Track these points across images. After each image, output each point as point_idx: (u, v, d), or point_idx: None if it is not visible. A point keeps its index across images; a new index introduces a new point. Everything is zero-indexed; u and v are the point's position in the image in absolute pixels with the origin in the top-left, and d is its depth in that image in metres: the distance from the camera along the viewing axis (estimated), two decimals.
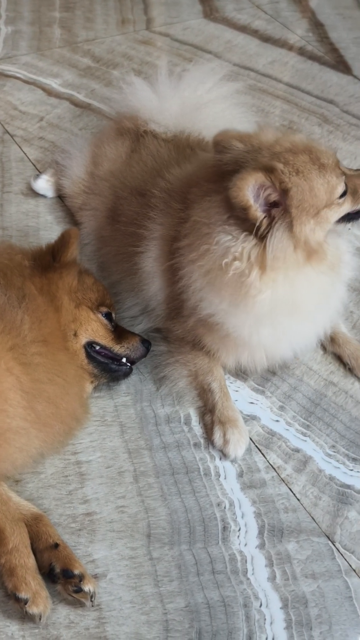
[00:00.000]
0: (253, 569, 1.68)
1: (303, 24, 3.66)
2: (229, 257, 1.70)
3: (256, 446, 1.92)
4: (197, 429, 1.94)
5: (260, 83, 3.20)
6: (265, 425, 1.96)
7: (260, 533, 1.74)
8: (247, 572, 1.67)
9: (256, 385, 2.05)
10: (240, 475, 1.85)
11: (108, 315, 1.94)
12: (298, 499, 1.81)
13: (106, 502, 1.77)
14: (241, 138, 1.75)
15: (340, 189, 1.72)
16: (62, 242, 1.92)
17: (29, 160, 2.71)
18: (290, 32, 3.57)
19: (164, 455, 1.87)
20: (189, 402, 1.98)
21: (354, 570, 1.69)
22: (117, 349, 1.94)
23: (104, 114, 2.87)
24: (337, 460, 1.89)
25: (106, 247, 2.22)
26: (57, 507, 1.75)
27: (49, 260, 1.90)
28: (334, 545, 1.73)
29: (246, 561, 1.69)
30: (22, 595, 1.52)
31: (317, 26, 3.64)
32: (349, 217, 1.82)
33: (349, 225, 1.84)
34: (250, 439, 1.92)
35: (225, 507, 1.78)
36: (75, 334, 1.86)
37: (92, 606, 1.59)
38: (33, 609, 1.52)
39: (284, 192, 1.64)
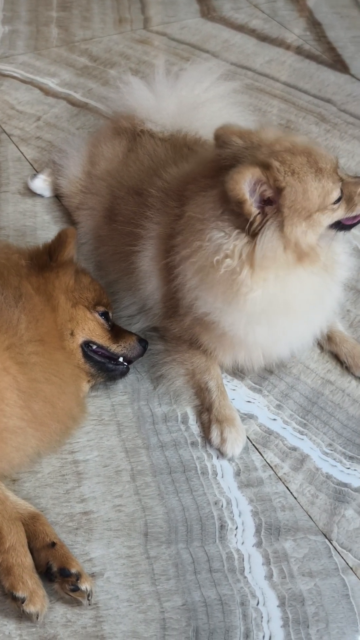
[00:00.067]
0: (250, 568, 1.68)
1: (300, 23, 3.66)
2: (221, 255, 1.70)
3: (253, 445, 1.92)
4: (195, 427, 1.94)
5: (257, 82, 3.20)
6: (263, 424, 1.96)
7: (258, 531, 1.74)
8: (244, 571, 1.68)
9: (253, 384, 2.05)
10: (238, 473, 1.85)
11: (105, 315, 1.95)
12: (295, 498, 1.82)
13: (103, 501, 1.77)
14: (241, 134, 1.75)
15: (335, 195, 1.71)
16: (59, 241, 1.92)
17: (26, 159, 2.71)
18: (287, 31, 3.57)
19: (161, 454, 1.87)
20: (186, 401, 1.98)
21: (351, 569, 1.69)
22: (114, 348, 1.94)
23: (101, 113, 2.86)
24: (334, 459, 1.90)
25: (103, 247, 2.22)
26: (54, 506, 1.75)
27: (45, 259, 1.90)
28: (331, 543, 1.73)
29: (243, 559, 1.69)
30: (19, 594, 1.52)
31: (315, 25, 3.64)
32: (340, 226, 1.81)
33: (340, 233, 1.83)
34: (248, 437, 1.92)
35: (222, 506, 1.79)
36: (72, 334, 1.87)
37: (89, 605, 1.59)
38: (30, 608, 1.52)
39: (278, 190, 1.64)
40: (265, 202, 1.65)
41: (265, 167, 1.63)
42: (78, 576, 1.57)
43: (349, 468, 1.88)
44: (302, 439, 1.94)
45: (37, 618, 1.53)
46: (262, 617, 1.60)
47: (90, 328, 1.90)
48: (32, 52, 3.27)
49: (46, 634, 1.55)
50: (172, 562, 1.68)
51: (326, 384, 2.07)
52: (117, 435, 1.91)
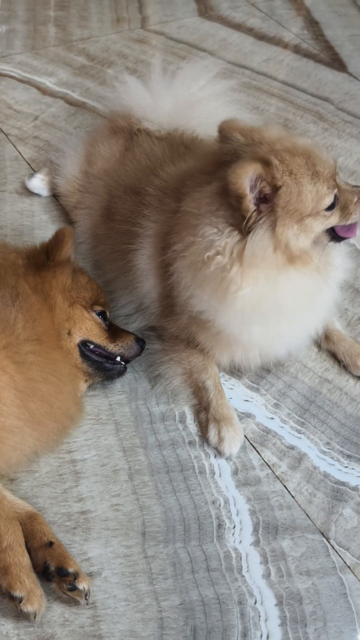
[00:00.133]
0: (248, 566, 1.68)
1: (298, 21, 3.66)
2: (212, 251, 1.70)
3: (251, 444, 1.92)
4: (192, 426, 1.94)
5: (255, 81, 3.20)
6: (260, 423, 1.96)
7: (255, 530, 1.74)
8: (241, 570, 1.68)
9: (251, 383, 2.05)
10: (235, 472, 1.85)
11: (102, 314, 1.94)
12: (293, 496, 1.81)
13: (101, 500, 1.77)
14: (243, 130, 1.74)
15: (328, 200, 1.70)
16: (56, 240, 1.92)
17: (24, 159, 2.70)
18: (285, 30, 3.57)
19: (159, 453, 1.87)
20: (183, 400, 1.98)
21: (349, 567, 1.69)
22: (112, 347, 1.94)
23: (98, 112, 2.86)
24: (332, 457, 1.90)
25: (101, 246, 2.22)
26: (52, 505, 1.75)
27: (42, 259, 1.90)
28: (329, 542, 1.73)
29: (241, 558, 1.69)
30: (17, 593, 1.52)
31: (312, 24, 3.64)
32: (333, 235, 1.81)
33: (332, 242, 1.82)
34: (245, 436, 1.92)
35: (220, 505, 1.78)
36: (69, 333, 1.87)
37: (87, 604, 1.59)
38: (28, 608, 1.52)
39: (275, 189, 1.64)
40: (260, 200, 1.65)
41: (266, 163, 1.62)
42: (76, 575, 1.57)
43: (346, 467, 1.88)
44: (300, 438, 1.94)
45: (35, 617, 1.53)
46: (259, 616, 1.60)
47: (87, 327, 1.90)
48: (30, 52, 3.27)
49: (44, 634, 1.55)
50: (170, 561, 1.68)
51: (324, 382, 2.07)
52: (114, 434, 1.91)
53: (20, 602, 1.51)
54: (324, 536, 1.74)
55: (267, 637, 1.57)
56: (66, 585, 1.57)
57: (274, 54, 3.39)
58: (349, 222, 1.80)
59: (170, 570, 1.66)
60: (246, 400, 2.01)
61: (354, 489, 1.84)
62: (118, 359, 1.95)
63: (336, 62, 3.37)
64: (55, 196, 2.52)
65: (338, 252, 1.91)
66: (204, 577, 1.66)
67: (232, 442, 1.86)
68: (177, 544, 1.71)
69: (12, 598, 1.52)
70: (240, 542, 1.72)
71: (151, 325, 2.07)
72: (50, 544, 1.61)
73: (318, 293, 1.82)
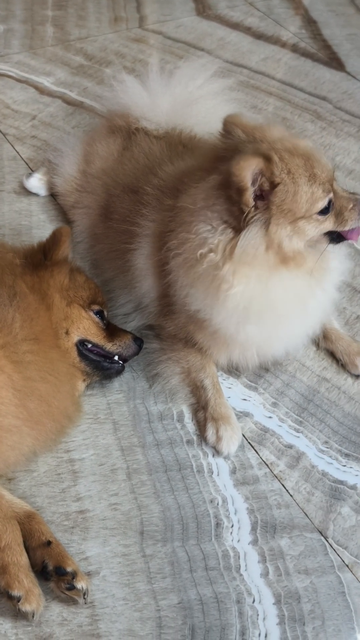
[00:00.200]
0: (246, 565, 1.68)
1: (296, 20, 3.66)
2: (205, 249, 1.70)
3: (249, 443, 1.92)
4: (190, 426, 1.94)
5: (253, 80, 3.20)
6: (258, 422, 1.96)
7: (253, 529, 1.74)
8: (240, 568, 1.68)
9: (249, 382, 2.05)
10: (233, 471, 1.85)
11: (100, 313, 1.94)
12: (291, 495, 1.81)
13: (99, 499, 1.77)
14: (245, 128, 1.74)
15: (321, 204, 1.70)
16: (54, 240, 1.92)
17: (22, 158, 2.70)
18: (283, 29, 3.57)
19: (157, 453, 1.87)
20: (181, 399, 1.98)
21: (347, 566, 1.69)
22: (109, 346, 1.94)
23: (96, 112, 2.86)
24: (330, 456, 1.90)
25: (99, 245, 2.22)
26: (50, 504, 1.75)
27: (40, 258, 1.90)
28: (327, 540, 1.73)
29: (239, 557, 1.69)
30: (15, 592, 1.52)
31: (310, 23, 3.64)
32: (332, 237, 1.80)
33: (332, 244, 1.81)
34: (243, 435, 1.92)
35: (218, 504, 1.78)
36: (66, 332, 1.86)
37: (85, 603, 1.59)
38: (26, 607, 1.51)
39: (272, 186, 1.64)
40: (256, 197, 1.65)
41: (267, 159, 1.62)
42: (74, 575, 1.57)
43: (345, 465, 1.88)
44: (298, 437, 1.94)
45: (33, 617, 1.53)
46: (258, 615, 1.60)
47: (85, 327, 1.89)
48: (27, 51, 3.27)
49: (42, 633, 1.55)
50: (168, 561, 1.68)
51: (322, 381, 2.07)
52: (112, 433, 1.91)
53: (18, 601, 1.51)
54: (322, 535, 1.74)
55: (266, 636, 1.57)
56: (64, 585, 1.57)
57: (271, 53, 3.39)
58: (345, 228, 1.79)
59: (169, 569, 1.66)
60: (244, 399, 2.01)
61: (352, 487, 1.84)
62: (116, 358, 1.95)
63: (334, 61, 3.37)
64: (53, 195, 2.52)
65: (335, 255, 1.90)
66: (202, 576, 1.66)
67: (230, 441, 1.86)
68: (175, 543, 1.71)
69: (11, 597, 1.52)
70: (239, 541, 1.72)
71: (149, 325, 2.07)
72: (49, 543, 1.61)
73: (310, 296, 1.81)
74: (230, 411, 1.92)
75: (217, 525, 1.75)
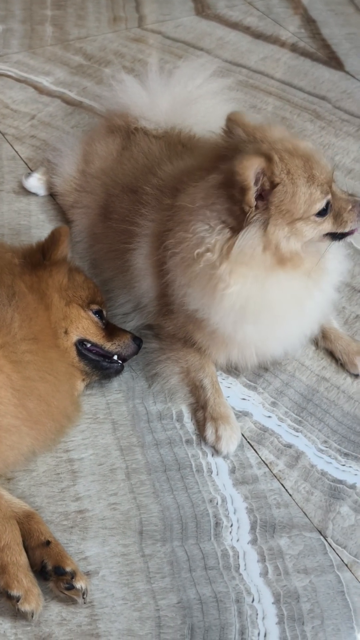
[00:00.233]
0: (245, 565, 1.68)
1: (295, 20, 3.65)
2: (202, 248, 1.70)
3: (248, 442, 1.92)
4: (189, 425, 1.94)
5: (252, 79, 3.20)
6: (258, 421, 1.96)
7: (253, 529, 1.74)
8: (239, 568, 1.68)
9: (248, 382, 2.05)
10: (233, 471, 1.85)
11: (99, 313, 1.94)
12: (290, 495, 1.81)
13: (98, 499, 1.77)
14: (247, 127, 1.74)
15: (319, 206, 1.70)
16: (52, 240, 1.92)
17: (21, 158, 2.70)
18: (282, 29, 3.57)
19: (156, 452, 1.87)
20: (181, 399, 1.98)
21: (346, 565, 1.69)
22: (109, 346, 1.94)
23: (95, 111, 2.86)
24: (329, 456, 1.90)
25: (98, 245, 2.22)
26: (49, 504, 1.75)
27: (39, 258, 1.90)
28: (326, 540, 1.73)
29: (238, 557, 1.69)
30: (14, 592, 1.52)
31: (309, 22, 3.64)
32: (333, 236, 1.80)
33: (335, 241, 1.81)
34: (242, 435, 1.92)
35: (217, 503, 1.78)
36: (65, 332, 1.86)
37: (84, 603, 1.59)
38: (25, 607, 1.52)
39: (272, 186, 1.64)
40: (257, 197, 1.64)
41: (268, 158, 1.62)
42: (73, 574, 1.57)
43: (344, 465, 1.88)
44: (297, 436, 1.94)
45: (32, 617, 1.53)
46: (257, 614, 1.60)
47: (84, 326, 1.89)
48: (27, 51, 3.27)
49: (41, 633, 1.55)
50: (167, 560, 1.68)
51: (321, 381, 2.07)
52: (112, 433, 1.91)
53: (17, 601, 1.51)
54: (321, 534, 1.74)
55: (265, 636, 1.57)
56: (63, 584, 1.57)
57: (271, 53, 3.39)
58: (344, 230, 1.79)
59: (168, 568, 1.66)
60: (243, 399, 2.01)
61: (352, 487, 1.84)
62: (115, 357, 1.95)
63: (333, 61, 3.37)
64: (52, 195, 2.52)
65: (334, 256, 1.90)
66: (201, 576, 1.66)
67: (230, 441, 1.86)
68: (175, 542, 1.71)
69: (10, 597, 1.52)
70: (238, 540, 1.72)
71: (148, 324, 2.07)
72: (48, 543, 1.61)
73: (308, 297, 1.81)
74: (230, 411, 1.92)
75: (217, 524, 1.75)
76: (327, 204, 1.72)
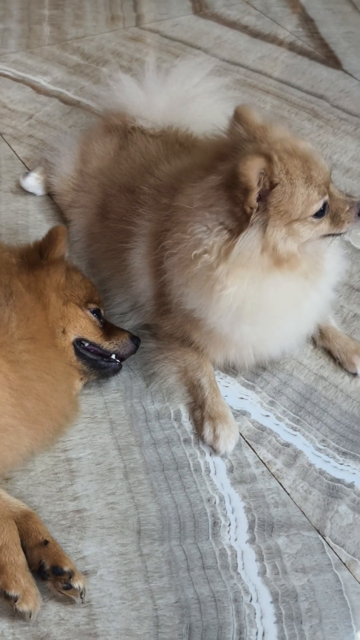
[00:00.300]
0: (243, 564, 1.68)
1: (293, 19, 3.65)
2: (200, 249, 1.70)
3: (246, 441, 1.92)
4: (187, 424, 1.94)
5: (250, 79, 3.20)
6: (255, 420, 1.96)
7: (251, 528, 1.74)
8: (237, 567, 1.67)
9: (246, 381, 2.05)
10: (230, 470, 1.85)
11: (96, 312, 1.94)
12: (288, 494, 1.81)
13: (96, 499, 1.77)
14: (249, 125, 1.73)
15: (316, 207, 1.69)
16: (50, 239, 1.92)
17: (18, 158, 2.70)
18: (280, 28, 3.57)
19: (154, 452, 1.87)
20: (178, 398, 1.98)
21: (344, 564, 1.69)
22: (106, 345, 1.94)
23: (93, 111, 2.86)
24: (327, 455, 1.90)
25: (96, 244, 2.22)
26: (47, 504, 1.75)
27: (36, 257, 1.90)
28: (324, 539, 1.73)
29: (236, 556, 1.69)
30: (12, 592, 1.52)
31: (307, 21, 3.64)
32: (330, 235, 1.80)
33: (332, 239, 1.81)
34: (240, 434, 1.92)
35: (215, 503, 1.78)
36: (63, 331, 1.86)
37: (82, 603, 1.59)
38: (23, 607, 1.52)
39: (271, 186, 1.63)
40: (257, 198, 1.64)
41: (267, 158, 1.62)
42: (71, 574, 1.57)
43: (342, 464, 1.88)
44: (295, 435, 1.94)
45: (30, 616, 1.53)
46: (255, 614, 1.60)
47: (82, 326, 1.89)
48: (24, 50, 3.26)
49: (39, 633, 1.55)
50: (165, 560, 1.67)
51: (319, 380, 2.07)
52: (109, 432, 1.91)
53: (15, 601, 1.51)
54: (319, 533, 1.74)
55: (263, 635, 1.57)
56: (61, 584, 1.57)
57: (268, 52, 3.39)
58: (341, 231, 1.78)
59: (166, 568, 1.66)
60: (241, 398, 2.01)
61: (350, 485, 1.84)
62: (113, 356, 1.95)
63: (331, 60, 3.37)
64: (50, 195, 2.52)
65: (332, 256, 1.90)
66: (199, 575, 1.66)
67: (227, 440, 1.86)
68: (173, 541, 1.71)
69: (8, 597, 1.52)
70: (236, 539, 1.72)
71: (146, 324, 2.06)
72: (46, 542, 1.61)
73: (304, 298, 1.81)
74: (228, 410, 1.92)
75: (215, 524, 1.75)
76: (325, 205, 1.72)
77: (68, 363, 1.88)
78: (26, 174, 2.54)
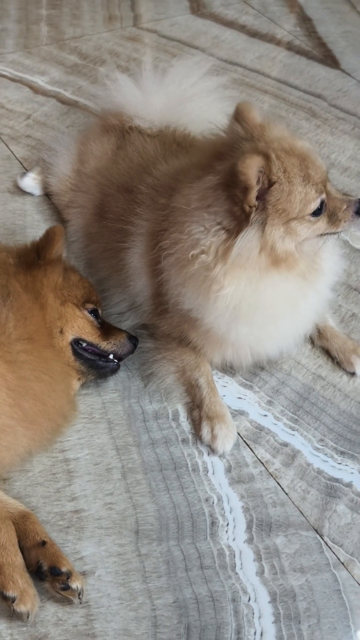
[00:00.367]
0: (241, 564, 1.68)
1: (291, 18, 3.65)
2: (197, 250, 1.70)
3: (244, 441, 1.91)
4: (185, 424, 1.94)
5: (248, 78, 3.19)
6: (254, 420, 1.96)
7: (249, 527, 1.74)
8: (235, 567, 1.67)
9: (244, 380, 2.05)
10: (229, 470, 1.85)
11: (94, 312, 1.94)
12: (286, 493, 1.81)
13: (94, 499, 1.77)
14: (248, 124, 1.73)
15: (314, 205, 1.69)
16: (47, 239, 1.92)
17: (16, 158, 2.70)
18: (277, 27, 3.56)
19: (152, 452, 1.87)
20: (176, 398, 1.98)
21: (342, 564, 1.69)
22: (104, 345, 1.93)
23: (91, 111, 2.86)
24: (326, 454, 1.89)
25: (93, 244, 2.21)
26: (45, 504, 1.75)
27: (33, 257, 1.90)
28: (322, 538, 1.73)
29: (234, 556, 1.69)
30: (10, 593, 1.51)
31: (305, 20, 3.64)
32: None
33: (328, 238, 1.81)
34: (239, 433, 1.92)
35: (213, 502, 1.78)
36: (61, 331, 1.86)
37: (80, 603, 1.58)
38: (21, 607, 1.51)
39: (269, 184, 1.63)
40: (256, 197, 1.64)
41: (265, 157, 1.62)
42: (69, 575, 1.57)
43: (340, 463, 1.88)
44: (293, 435, 1.93)
45: (28, 617, 1.53)
46: (253, 613, 1.60)
47: (79, 325, 1.89)
48: (22, 50, 3.26)
49: (37, 633, 1.55)
50: (163, 560, 1.67)
51: (317, 379, 2.07)
52: (107, 433, 1.91)
53: (13, 602, 1.51)
54: (317, 533, 1.74)
55: (261, 634, 1.57)
56: (59, 585, 1.56)
57: (266, 51, 3.39)
58: (338, 229, 1.78)
59: (164, 568, 1.66)
60: (239, 398, 2.01)
61: (348, 485, 1.83)
62: (111, 356, 1.95)
63: (329, 59, 3.37)
64: (47, 195, 2.51)
65: (330, 256, 1.89)
66: (197, 575, 1.65)
67: (225, 440, 1.86)
68: (171, 542, 1.70)
69: (5, 598, 1.52)
70: (234, 539, 1.72)
71: (144, 324, 2.06)
72: (43, 543, 1.61)
73: (301, 299, 1.81)
74: (225, 410, 1.92)
75: (213, 523, 1.74)
76: (322, 203, 1.72)
77: (66, 363, 1.88)
78: (24, 174, 2.54)
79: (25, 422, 1.70)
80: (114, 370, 1.98)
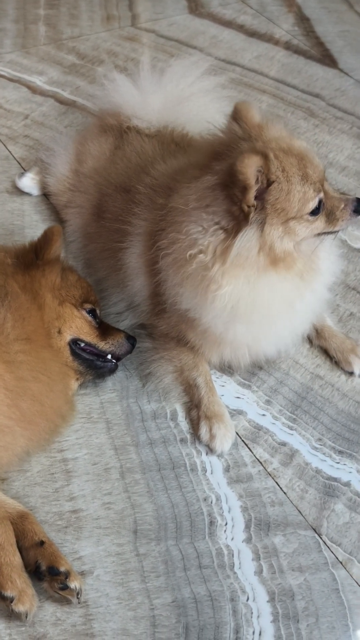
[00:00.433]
0: (240, 563, 1.68)
1: (289, 18, 3.65)
2: (195, 249, 1.70)
3: (242, 440, 1.92)
4: (184, 424, 1.94)
5: (246, 78, 3.19)
6: (252, 420, 1.96)
7: (247, 527, 1.74)
8: (233, 566, 1.67)
9: (242, 380, 2.05)
10: (227, 469, 1.85)
11: (92, 312, 1.94)
12: (285, 493, 1.81)
13: (92, 499, 1.77)
14: (246, 124, 1.73)
15: (312, 204, 1.69)
16: (45, 239, 1.91)
17: (14, 158, 2.70)
18: (276, 27, 3.57)
19: (151, 451, 1.87)
20: (175, 398, 1.98)
21: (341, 563, 1.69)
22: (102, 345, 1.94)
23: (89, 111, 2.85)
24: (324, 454, 1.89)
25: (92, 244, 2.21)
26: (43, 504, 1.75)
27: (31, 257, 1.89)
28: (321, 538, 1.73)
29: (233, 555, 1.69)
30: (8, 593, 1.51)
31: (303, 20, 3.64)
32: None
33: (326, 237, 1.81)
34: (237, 433, 1.92)
35: (211, 502, 1.78)
36: (59, 332, 1.86)
37: (79, 603, 1.58)
38: (19, 607, 1.51)
39: (268, 183, 1.63)
40: (255, 197, 1.64)
41: (264, 156, 1.62)
42: (67, 574, 1.57)
43: (338, 462, 1.88)
44: (292, 434, 1.93)
45: (27, 617, 1.53)
46: (252, 613, 1.60)
47: (77, 326, 1.89)
48: (20, 50, 3.26)
49: (36, 633, 1.55)
50: (162, 559, 1.67)
51: (315, 378, 2.07)
52: (106, 432, 1.91)
53: (11, 602, 1.51)
54: (316, 532, 1.74)
55: (260, 634, 1.57)
56: (58, 585, 1.56)
57: (264, 51, 3.39)
58: (336, 229, 1.79)
59: (162, 568, 1.66)
60: (238, 397, 2.01)
61: (346, 484, 1.84)
62: (109, 356, 1.95)
63: (327, 58, 3.37)
64: (45, 195, 2.51)
65: (327, 256, 1.89)
66: (196, 575, 1.65)
67: (224, 439, 1.86)
68: (169, 541, 1.70)
69: (4, 598, 1.52)
70: (232, 539, 1.72)
71: (142, 324, 2.06)
72: (42, 543, 1.61)
73: (299, 299, 1.81)
74: (224, 409, 1.92)
75: (211, 523, 1.75)
76: (320, 202, 1.72)
77: (64, 363, 1.88)
78: (22, 174, 2.53)
79: (23, 422, 1.70)
80: (112, 370, 1.98)
